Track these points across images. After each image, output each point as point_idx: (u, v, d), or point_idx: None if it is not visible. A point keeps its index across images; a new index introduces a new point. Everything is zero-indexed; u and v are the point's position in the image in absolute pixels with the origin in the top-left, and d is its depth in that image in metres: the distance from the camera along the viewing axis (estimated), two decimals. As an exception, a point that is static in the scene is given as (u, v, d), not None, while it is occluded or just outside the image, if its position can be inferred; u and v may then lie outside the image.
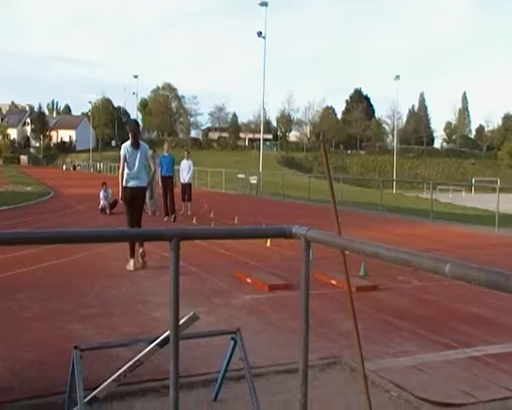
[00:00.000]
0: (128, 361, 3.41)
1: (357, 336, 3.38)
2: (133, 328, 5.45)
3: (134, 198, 8.69)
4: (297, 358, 3.72)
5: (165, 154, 16.45)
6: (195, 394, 3.92)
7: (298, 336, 3.57)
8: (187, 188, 17.36)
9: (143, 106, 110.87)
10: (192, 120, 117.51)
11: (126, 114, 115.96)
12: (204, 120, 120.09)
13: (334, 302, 6.59)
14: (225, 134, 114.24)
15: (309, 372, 3.50)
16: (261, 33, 40.33)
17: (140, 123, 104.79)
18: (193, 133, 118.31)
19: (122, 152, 8.69)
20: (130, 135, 8.90)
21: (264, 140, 61.94)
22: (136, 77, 77.61)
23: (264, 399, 3.67)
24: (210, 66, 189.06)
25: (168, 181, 15.99)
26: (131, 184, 8.64)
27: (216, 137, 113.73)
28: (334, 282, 7.48)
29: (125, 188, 8.64)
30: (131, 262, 8.50)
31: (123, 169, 8.67)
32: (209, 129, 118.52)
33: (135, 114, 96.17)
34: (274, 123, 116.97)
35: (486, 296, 7.16)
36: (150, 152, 9.63)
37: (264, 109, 49.49)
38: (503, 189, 18.88)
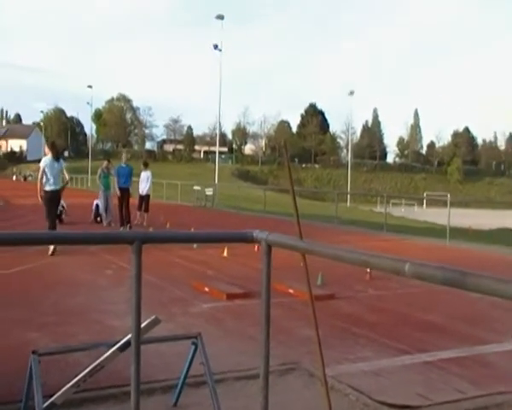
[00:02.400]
0: (87, 367, 3.36)
1: (318, 341, 3.42)
2: (90, 336, 5.36)
3: (52, 199, 10.98)
4: (256, 364, 3.73)
5: (123, 165, 16.25)
6: (155, 400, 3.89)
7: (257, 343, 3.57)
8: (144, 199, 17.22)
9: (98, 116, 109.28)
10: (147, 131, 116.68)
11: (80, 124, 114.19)
12: (159, 132, 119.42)
13: (291, 311, 6.64)
14: (180, 146, 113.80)
15: (269, 378, 3.54)
16: (217, 46, 40.53)
17: (94, 134, 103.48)
18: (148, 145, 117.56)
19: (42, 164, 11.02)
20: (51, 151, 11.30)
21: (220, 153, 61.94)
22: (90, 87, 76.33)
23: (225, 404, 3.66)
24: (165, 78, 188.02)
25: (125, 193, 15.79)
26: (51, 188, 10.89)
27: (171, 150, 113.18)
28: (291, 291, 7.54)
29: (45, 192, 10.89)
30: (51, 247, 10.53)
31: (41, 177, 10.95)
32: (164, 141, 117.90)
33: (89, 125, 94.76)
34: (229, 136, 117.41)
35: (439, 305, 7.38)
36: (64, 165, 11.65)
37: (219, 122, 49.63)
38: (453, 203, 19.45)
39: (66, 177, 11.74)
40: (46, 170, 10.88)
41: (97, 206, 18.00)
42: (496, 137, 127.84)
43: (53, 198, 11.00)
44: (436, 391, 4.29)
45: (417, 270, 2.42)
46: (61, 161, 11.52)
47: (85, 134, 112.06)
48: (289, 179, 3.36)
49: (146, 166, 17.98)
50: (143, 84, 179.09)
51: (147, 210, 17.29)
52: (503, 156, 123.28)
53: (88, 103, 80.00)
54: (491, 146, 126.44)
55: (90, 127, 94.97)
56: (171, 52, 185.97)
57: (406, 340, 5.66)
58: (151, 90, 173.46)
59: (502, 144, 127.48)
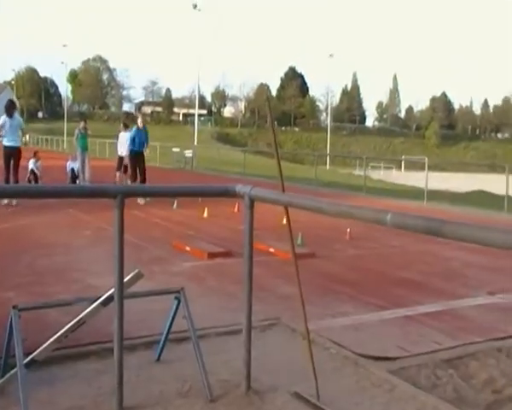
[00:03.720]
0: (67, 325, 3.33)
1: (300, 296, 3.44)
2: (70, 295, 5.32)
3: (11, 155, 11.81)
4: (238, 320, 3.76)
5: (140, 128, 15.37)
6: (138, 355, 3.88)
7: (238, 300, 3.57)
8: (124, 160, 16.96)
9: (73, 77, 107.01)
10: (124, 93, 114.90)
11: (54, 85, 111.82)
12: (137, 94, 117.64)
13: (272, 269, 6.67)
14: (159, 109, 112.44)
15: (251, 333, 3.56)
16: (196, 6, 39.85)
17: (69, 95, 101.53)
18: (125, 107, 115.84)
19: (1, 122, 11.84)
20: (6, 111, 11.86)
21: (199, 115, 61.29)
22: (65, 46, 74.74)
23: (207, 359, 3.68)
24: (143, 39, 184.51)
25: (140, 156, 15.04)
26: (9, 144, 11.76)
27: (149, 112, 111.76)
28: (272, 250, 7.57)
29: (4, 146, 11.81)
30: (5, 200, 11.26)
31: None
32: (142, 103, 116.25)
33: (63, 86, 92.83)
34: (208, 98, 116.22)
35: (416, 263, 7.51)
36: (23, 122, 12.56)
37: (198, 85, 49.06)
38: (430, 167, 19.73)
39: (21, 135, 12.25)
40: (5, 125, 11.71)
41: (72, 169, 17.81)
42: (471, 102, 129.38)
43: (11, 155, 11.77)
44: (413, 343, 4.38)
45: (399, 219, 2.45)
46: (17, 117, 12.22)
47: (60, 95, 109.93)
48: (272, 132, 3.34)
49: (126, 127, 17.66)
50: (120, 46, 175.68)
51: (126, 171, 17.06)
52: (478, 121, 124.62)
53: (62, 63, 78.36)
54: (468, 110, 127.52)
55: (65, 88, 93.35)
56: (149, 12, 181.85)
57: (385, 296, 5.74)
58: (128, 52, 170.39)
59: (477, 109, 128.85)
